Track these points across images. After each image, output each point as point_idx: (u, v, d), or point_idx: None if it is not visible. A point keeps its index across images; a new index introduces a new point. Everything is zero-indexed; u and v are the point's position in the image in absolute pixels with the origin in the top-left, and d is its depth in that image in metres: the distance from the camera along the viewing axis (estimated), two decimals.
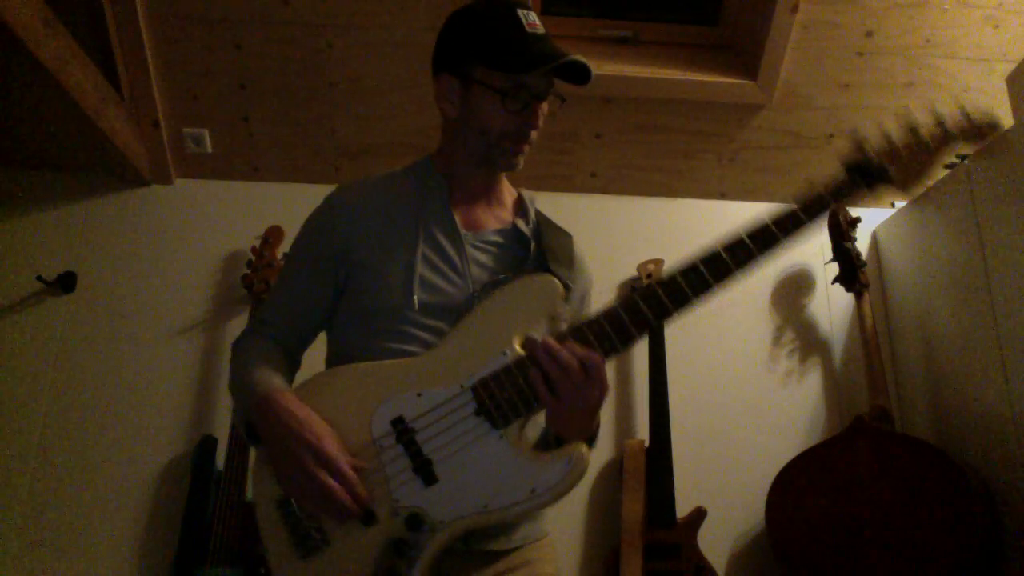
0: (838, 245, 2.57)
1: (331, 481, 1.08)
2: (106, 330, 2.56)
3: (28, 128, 2.46)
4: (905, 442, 2.22)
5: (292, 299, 1.32)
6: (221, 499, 2.20)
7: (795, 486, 2.28)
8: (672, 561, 2.27)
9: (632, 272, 2.68)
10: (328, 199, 1.35)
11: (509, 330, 1.15)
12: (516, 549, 1.21)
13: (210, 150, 2.69)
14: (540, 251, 1.28)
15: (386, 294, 1.22)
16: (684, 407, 2.55)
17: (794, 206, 1.15)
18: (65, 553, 2.33)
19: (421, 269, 1.24)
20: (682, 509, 2.35)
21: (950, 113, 1.20)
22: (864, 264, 2.57)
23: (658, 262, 2.64)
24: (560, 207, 2.80)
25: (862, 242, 2.72)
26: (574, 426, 1.13)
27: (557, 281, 1.18)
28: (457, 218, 1.30)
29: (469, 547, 1.16)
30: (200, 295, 2.62)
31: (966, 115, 1.20)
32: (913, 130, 1.19)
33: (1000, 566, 2.05)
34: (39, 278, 2.52)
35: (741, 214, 2.82)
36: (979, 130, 1.19)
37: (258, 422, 1.16)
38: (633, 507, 2.30)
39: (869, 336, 2.45)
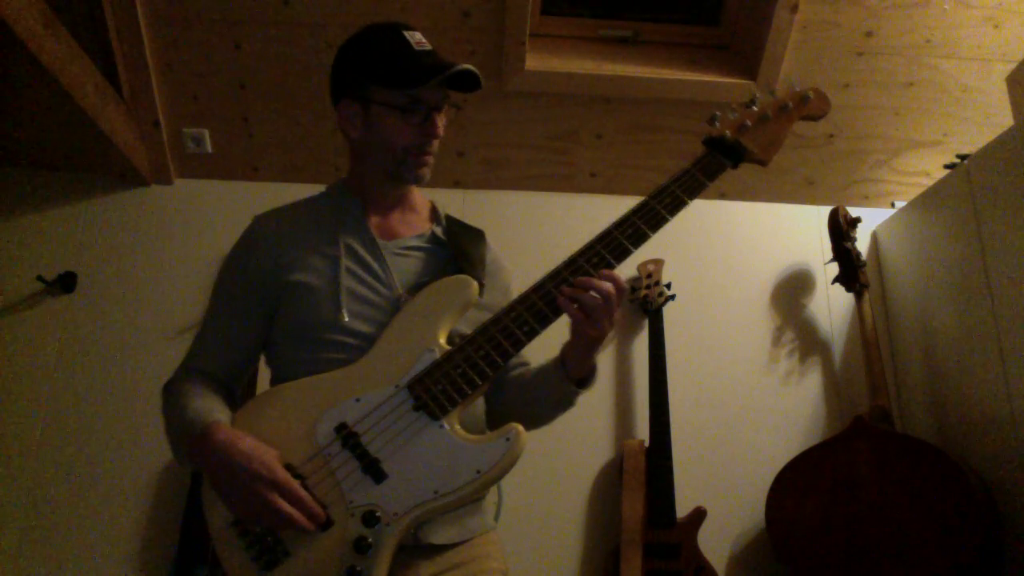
0: (838, 245, 2.58)
1: (287, 506, 1.11)
2: (106, 330, 2.57)
3: (28, 128, 2.46)
4: (905, 442, 2.22)
5: (223, 333, 1.36)
6: None
7: (795, 486, 2.28)
8: (672, 561, 2.27)
9: (632, 272, 2.68)
10: (247, 231, 1.42)
11: (433, 328, 1.24)
12: (463, 543, 1.26)
13: (210, 150, 2.69)
14: (453, 254, 1.38)
15: (316, 310, 1.29)
16: (684, 407, 2.55)
17: (673, 186, 1.28)
18: (65, 553, 2.33)
19: (346, 282, 1.30)
20: (682, 509, 2.36)
21: (782, 88, 1.40)
22: (864, 264, 2.58)
23: (658, 262, 2.64)
24: (560, 207, 2.83)
25: (862, 242, 2.72)
26: (590, 354, 1.26)
27: (470, 278, 1.29)
28: (374, 231, 1.38)
29: (417, 541, 1.20)
30: (200, 295, 2.62)
31: (793, 88, 1.39)
32: (751, 104, 1.36)
33: (1000, 566, 2.05)
34: (39, 278, 2.52)
35: (741, 214, 2.84)
36: (802, 97, 1.38)
37: (200, 458, 1.18)
38: (633, 507, 2.30)
39: (869, 336, 2.45)
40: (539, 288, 1.22)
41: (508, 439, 1.17)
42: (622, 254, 1.24)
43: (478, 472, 1.16)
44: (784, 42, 2.46)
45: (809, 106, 1.38)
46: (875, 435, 2.24)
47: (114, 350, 2.55)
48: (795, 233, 2.85)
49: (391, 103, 1.31)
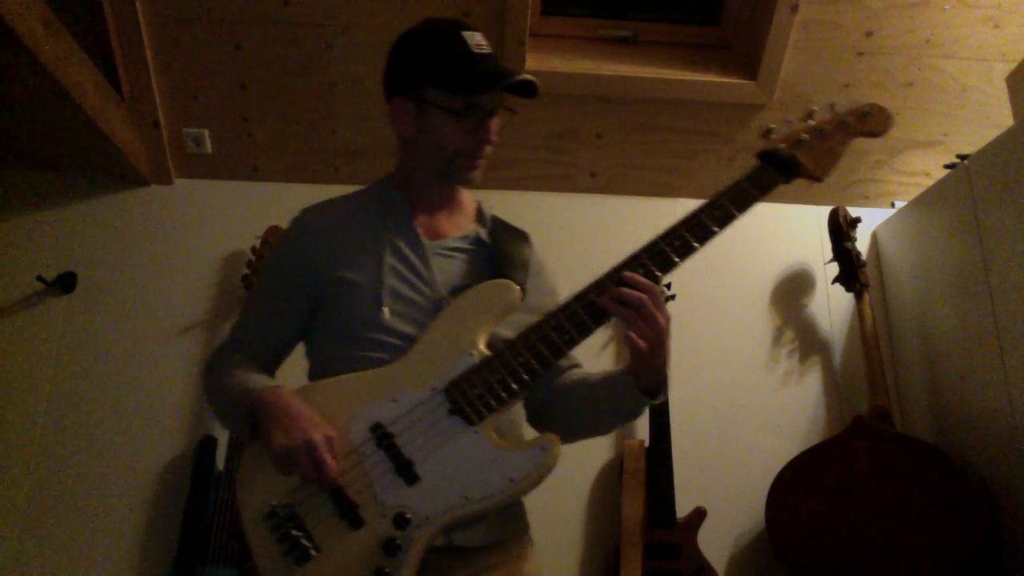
0: (838, 245, 2.58)
1: (326, 453, 1.13)
2: (106, 330, 2.56)
3: (28, 128, 2.46)
4: (905, 442, 2.22)
5: (265, 319, 1.38)
6: (221, 499, 2.20)
7: (795, 486, 2.28)
8: (672, 561, 2.27)
9: None
10: (295, 222, 1.40)
11: (472, 332, 1.23)
12: (496, 546, 1.25)
13: (210, 150, 2.68)
14: (496, 257, 1.36)
15: (358, 306, 1.28)
16: (684, 407, 2.54)
17: (723, 199, 1.24)
18: (65, 553, 2.33)
19: (389, 280, 1.30)
20: (682, 509, 2.35)
21: (841, 102, 1.32)
22: (864, 264, 2.58)
23: None
24: (560, 207, 2.83)
25: (862, 242, 2.72)
26: (653, 363, 1.20)
27: (512, 283, 1.28)
28: (419, 230, 1.37)
29: (451, 543, 1.19)
30: (200, 295, 2.62)
31: (853, 104, 1.32)
32: (809, 118, 1.30)
33: (1000, 566, 2.05)
34: (39, 278, 2.52)
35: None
36: (862, 112, 1.30)
37: (261, 406, 1.20)
38: (633, 507, 2.30)
39: (869, 336, 2.45)
40: (581, 297, 1.21)
41: (543, 448, 1.18)
42: (668, 266, 1.22)
43: (511, 480, 1.16)
44: (784, 42, 2.46)
45: (869, 122, 1.31)
46: (875, 435, 2.24)
47: (114, 350, 2.54)
48: (795, 233, 2.85)
49: (447, 106, 1.30)
